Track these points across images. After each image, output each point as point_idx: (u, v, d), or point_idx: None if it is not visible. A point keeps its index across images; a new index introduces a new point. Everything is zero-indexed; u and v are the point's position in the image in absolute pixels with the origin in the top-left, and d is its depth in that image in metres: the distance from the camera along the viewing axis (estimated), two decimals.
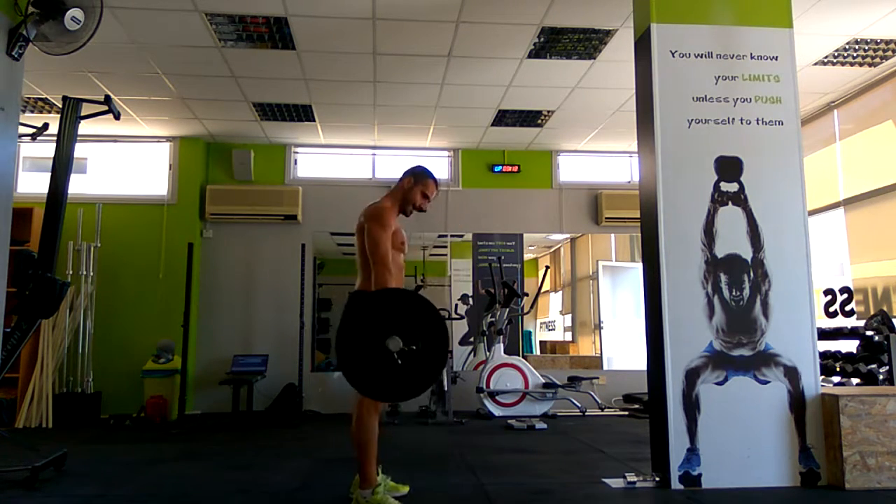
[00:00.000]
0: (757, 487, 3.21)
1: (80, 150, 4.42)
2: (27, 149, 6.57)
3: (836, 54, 4.92)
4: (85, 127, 4.07)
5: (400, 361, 2.56)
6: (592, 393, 6.34)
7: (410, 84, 5.49)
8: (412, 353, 2.58)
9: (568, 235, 8.05)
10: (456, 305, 7.30)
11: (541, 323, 9.31)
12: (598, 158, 7.47)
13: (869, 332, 4.64)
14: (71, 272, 6.08)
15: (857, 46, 4.80)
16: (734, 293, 3.39)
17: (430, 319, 2.66)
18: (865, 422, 3.19)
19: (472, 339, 7.17)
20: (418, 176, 3.14)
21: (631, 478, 3.34)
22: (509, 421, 5.68)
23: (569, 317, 8.83)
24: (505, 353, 6.36)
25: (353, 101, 5.85)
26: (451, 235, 7.37)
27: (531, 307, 7.24)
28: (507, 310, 6.38)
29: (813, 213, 5.63)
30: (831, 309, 5.14)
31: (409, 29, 4.52)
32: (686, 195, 3.46)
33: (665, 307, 3.36)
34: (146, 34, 4.56)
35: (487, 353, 6.39)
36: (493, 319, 6.42)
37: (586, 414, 6.29)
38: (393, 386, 2.65)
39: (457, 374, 6.35)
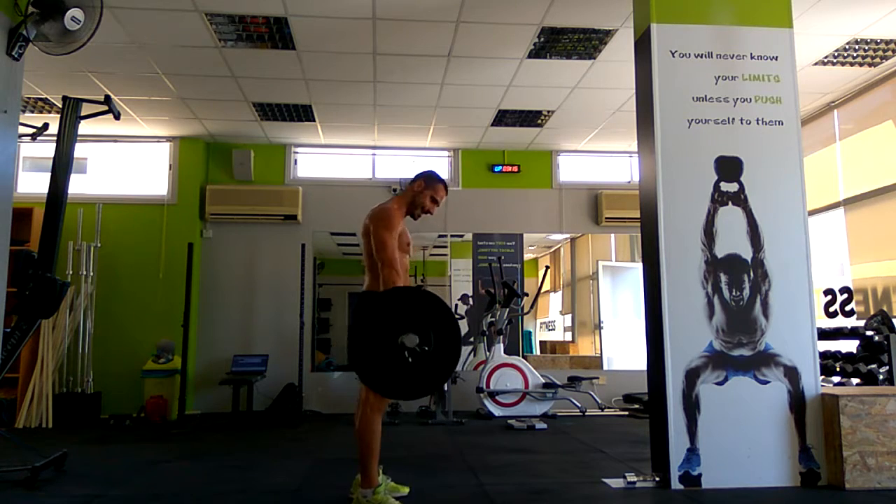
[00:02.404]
0: (757, 487, 3.21)
1: (80, 150, 4.43)
2: (27, 149, 6.57)
3: (836, 54, 4.92)
4: (85, 127, 4.07)
5: (411, 360, 2.59)
6: (592, 393, 6.34)
7: (410, 84, 5.49)
8: (424, 352, 2.61)
9: (568, 235, 8.05)
10: (456, 305, 7.30)
11: (541, 323, 9.31)
12: (598, 158, 7.47)
13: (869, 332, 4.64)
14: (71, 272, 6.08)
15: (857, 46, 4.79)
16: (734, 293, 3.39)
17: (444, 317, 2.69)
18: (865, 422, 3.19)
19: (472, 339, 7.17)
20: (428, 179, 3.19)
21: (631, 478, 3.34)
22: (509, 421, 5.68)
23: (569, 317, 8.82)
24: (505, 353, 6.36)
25: (353, 101, 5.85)
26: (451, 235, 7.37)
27: (531, 307, 7.24)
28: (507, 310, 6.38)
29: (813, 213, 5.63)
30: (831, 309, 5.13)
31: (409, 29, 4.52)
32: (686, 195, 3.46)
33: (665, 307, 3.36)
34: (146, 34, 4.56)
35: (487, 353, 6.39)
36: (493, 319, 6.42)
37: (586, 414, 6.29)
38: (406, 384, 2.69)
39: (457, 374, 6.35)
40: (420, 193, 3.17)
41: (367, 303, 2.94)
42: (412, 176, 3.23)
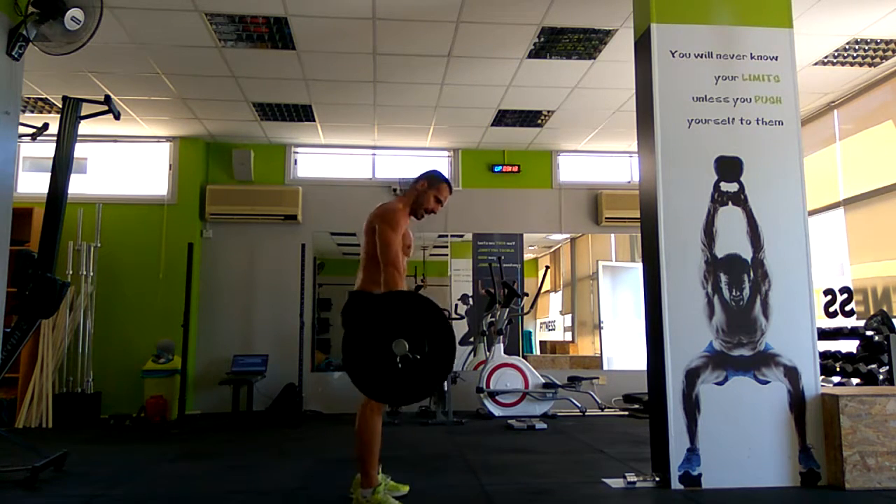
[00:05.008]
0: (757, 487, 3.21)
1: (80, 150, 4.43)
2: (27, 149, 6.57)
3: (836, 54, 4.92)
4: (85, 127, 4.08)
5: (401, 366, 2.58)
6: (592, 393, 6.34)
7: (410, 84, 5.49)
8: (415, 360, 2.60)
9: (568, 235, 8.05)
10: (456, 305, 7.30)
11: (541, 323, 9.30)
12: (598, 158, 7.47)
13: (869, 332, 4.64)
14: (71, 272, 6.08)
15: (857, 46, 4.79)
16: (734, 293, 3.39)
17: (438, 325, 2.67)
18: (865, 422, 3.19)
19: (472, 339, 7.17)
20: (432, 179, 3.18)
21: (631, 478, 3.34)
22: (509, 421, 5.67)
23: (569, 317, 8.82)
24: (505, 353, 6.36)
25: (353, 101, 5.85)
26: (452, 235, 7.37)
27: (531, 307, 7.24)
28: (507, 310, 6.38)
29: (813, 213, 5.63)
30: (831, 309, 5.14)
31: (409, 29, 4.52)
32: (686, 195, 3.45)
33: (665, 307, 3.36)
34: (146, 34, 4.56)
35: (487, 353, 6.39)
36: (493, 319, 6.42)
37: (586, 414, 6.29)
38: (396, 389, 2.67)
39: (457, 374, 6.35)
40: (424, 193, 3.15)
41: (361, 305, 2.93)
42: (415, 176, 3.22)
